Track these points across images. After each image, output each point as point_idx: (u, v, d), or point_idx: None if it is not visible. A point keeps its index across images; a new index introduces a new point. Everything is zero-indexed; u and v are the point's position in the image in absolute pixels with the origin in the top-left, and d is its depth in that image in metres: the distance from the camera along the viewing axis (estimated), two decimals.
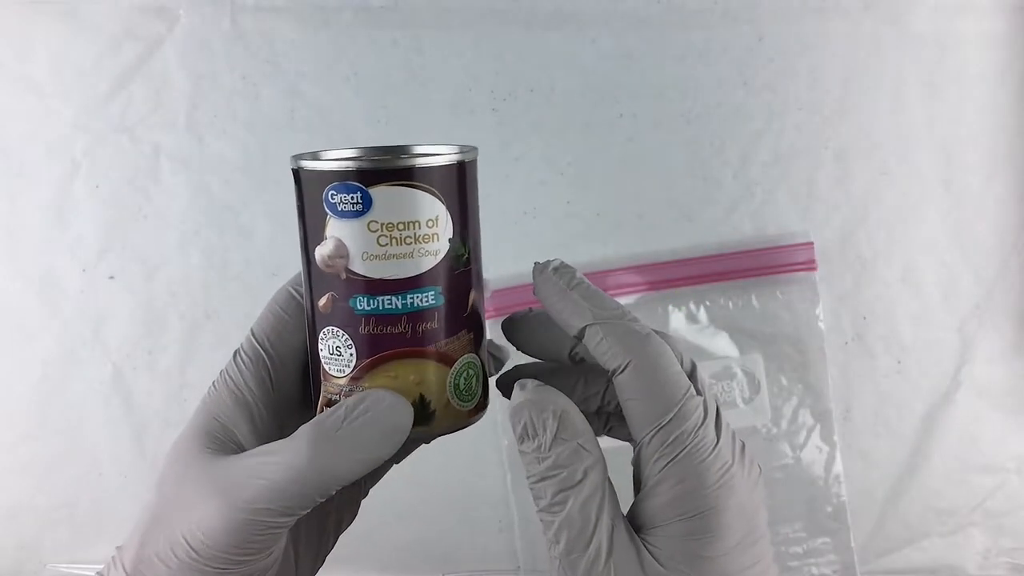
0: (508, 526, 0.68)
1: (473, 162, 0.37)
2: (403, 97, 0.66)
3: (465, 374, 0.37)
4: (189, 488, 0.33)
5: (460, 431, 0.39)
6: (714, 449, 0.32)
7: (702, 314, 0.67)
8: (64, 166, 0.68)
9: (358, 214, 0.34)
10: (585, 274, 0.70)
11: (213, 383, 0.37)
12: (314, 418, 0.34)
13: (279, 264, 0.68)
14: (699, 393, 0.34)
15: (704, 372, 0.67)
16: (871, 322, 0.66)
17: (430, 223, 0.35)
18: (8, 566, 0.72)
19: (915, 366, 0.66)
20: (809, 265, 0.66)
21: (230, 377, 0.37)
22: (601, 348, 0.34)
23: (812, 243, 0.66)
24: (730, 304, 0.66)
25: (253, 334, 0.38)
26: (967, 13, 0.64)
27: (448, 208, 0.35)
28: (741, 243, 0.66)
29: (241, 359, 0.37)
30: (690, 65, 0.65)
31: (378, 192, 0.34)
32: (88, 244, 0.68)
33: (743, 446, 0.34)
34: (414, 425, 0.35)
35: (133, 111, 0.67)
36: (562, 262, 0.37)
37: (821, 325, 0.66)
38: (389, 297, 0.35)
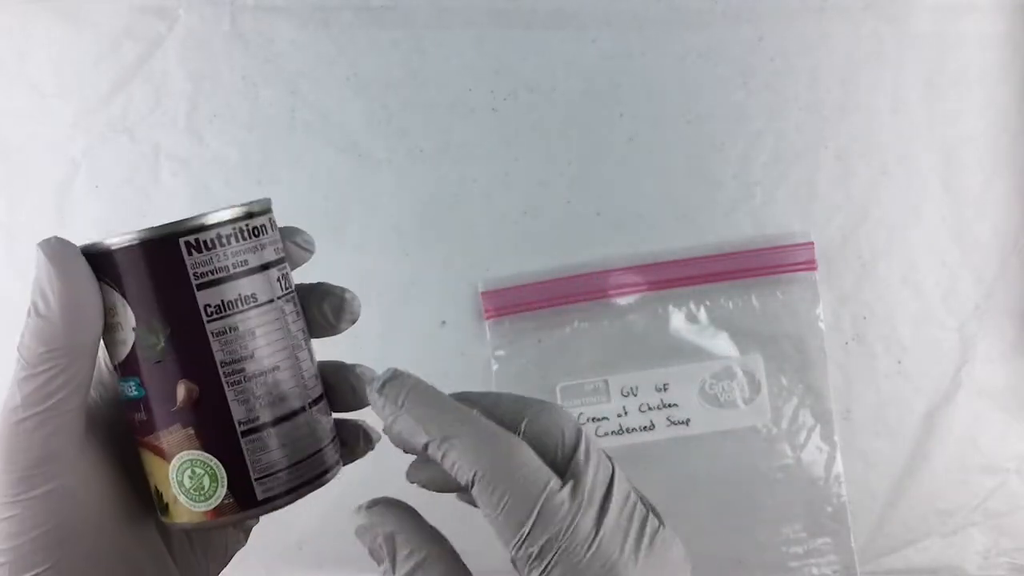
0: None
1: (154, 241, 0.33)
2: (403, 97, 0.66)
3: (189, 472, 0.34)
4: None
5: (223, 528, 0.37)
6: (591, 546, 0.29)
7: (702, 314, 0.67)
8: (64, 166, 0.68)
9: None
10: (585, 274, 0.71)
11: None
12: None
13: None
14: (579, 473, 0.30)
15: (704, 372, 0.67)
16: (871, 322, 0.66)
17: (111, 312, 0.34)
18: None
19: (915, 366, 0.66)
20: (809, 265, 0.66)
21: None
22: (447, 465, 0.31)
23: (812, 243, 0.66)
24: (730, 304, 0.66)
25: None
26: (967, 13, 0.64)
27: (126, 296, 0.33)
28: (741, 243, 0.66)
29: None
30: (690, 65, 0.65)
31: None
32: None
33: (647, 521, 0.31)
34: (160, 514, 0.35)
35: (133, 111, 0.67)
36: (391, 375, 0.33)
37: (821, 325, 0.66)
38: (117, 383, 0.35)
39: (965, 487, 0.67)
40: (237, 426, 0.34)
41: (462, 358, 0.67)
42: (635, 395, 0.66)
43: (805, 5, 0.64)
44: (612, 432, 0.66)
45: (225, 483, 0.34)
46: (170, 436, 0.34)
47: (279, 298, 0.35)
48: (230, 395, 0.33)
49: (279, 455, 0.34)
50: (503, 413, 0.32)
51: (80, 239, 0.34)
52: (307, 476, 0.35)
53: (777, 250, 0.66)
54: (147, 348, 0.33)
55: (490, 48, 0.66)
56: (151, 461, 0.34)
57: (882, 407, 0.67)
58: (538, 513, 0.29)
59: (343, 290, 0.38)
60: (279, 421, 0.34)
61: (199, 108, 0.67)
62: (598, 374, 0.67)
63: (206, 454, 0.33)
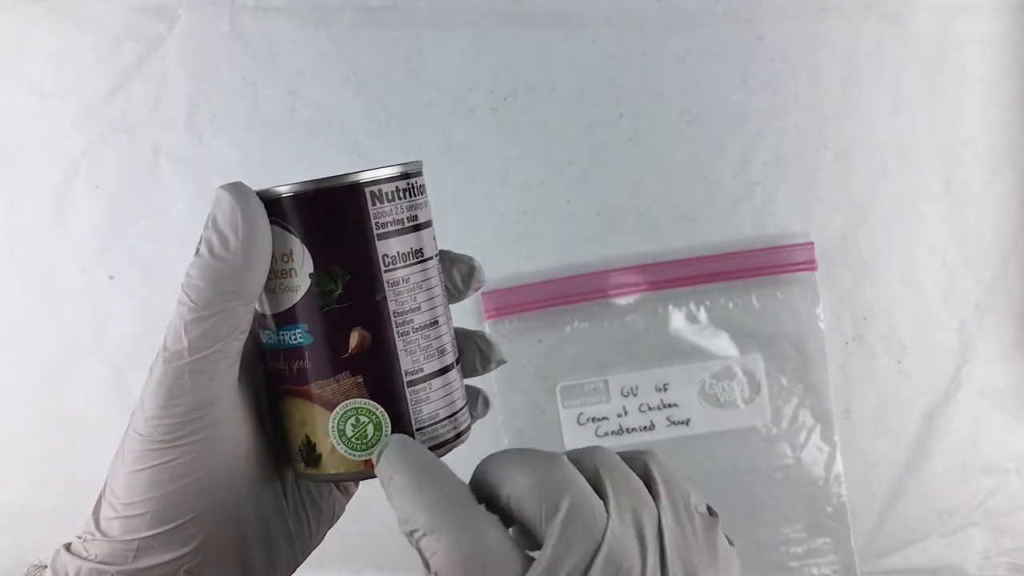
0: None
1: (341, 189, 0.34)
2: (403, 97, 0.66)
3: (353, 420, 0.34)
4: None
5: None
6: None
7: (702, 314, 0.67)
8: (64, 166, 0.68)
9: None
10: (585, 274, 0.71)
11: None
12: None
13: None
14: (549, 555, 0.29)
15: (704, 372, 0.67)
16: (871, 322, 0.66)
17: (285, 258, 0.34)
18: (8, 566, 0.72)
19: (915, 366, 0.66)
20: (809, 265, 0.66)
21: None
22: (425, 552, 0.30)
23: (812, 243, 0.66)
24: (730, 304, 0.66)
25: None
26: (967, 13, 0.64)
27: (307, 241, 0.33)
28: (741, 243, 0.66)
29: None
30: (690, 65, 0.65)
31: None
32: (88, 244, 0.68)
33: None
34: (305, 466, 0.35)
35: (133, 111, 0.67)
36: (389, 444, 0.33)
37: (821, 325, 0.66)
38: (269, 332, 0.35)
39: (965, 487, 0.67)
40: (404, 376, 0.34)
41: None
42: (635, 395, 0.66)
43: (805, 5, 0.64)
44: (612, 432, 0.66)
45: (388, 432, 0.34)
46: (336, 384, 0.34)
47: (435, 256, 0.37)
48: (399, 345, 0.34)
49: (435, 407, 0.35)
50: (493, 481, 0.32)
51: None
52: (456, 430, 0.36)
53: (777, 250, 0.66)
54: (323, 295, 0.33)
55: (490, 48, 0.66)
56: (306, 410, 0.34)
57: (882, 407, 0.67)
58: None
59: (470, 257, 0.39)
60: (437, 374, 0.35)
61: (199, 108, 0.67)
62: (598, 374, 0.67)
63: (373, 402, 0.34)
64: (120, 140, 0.68)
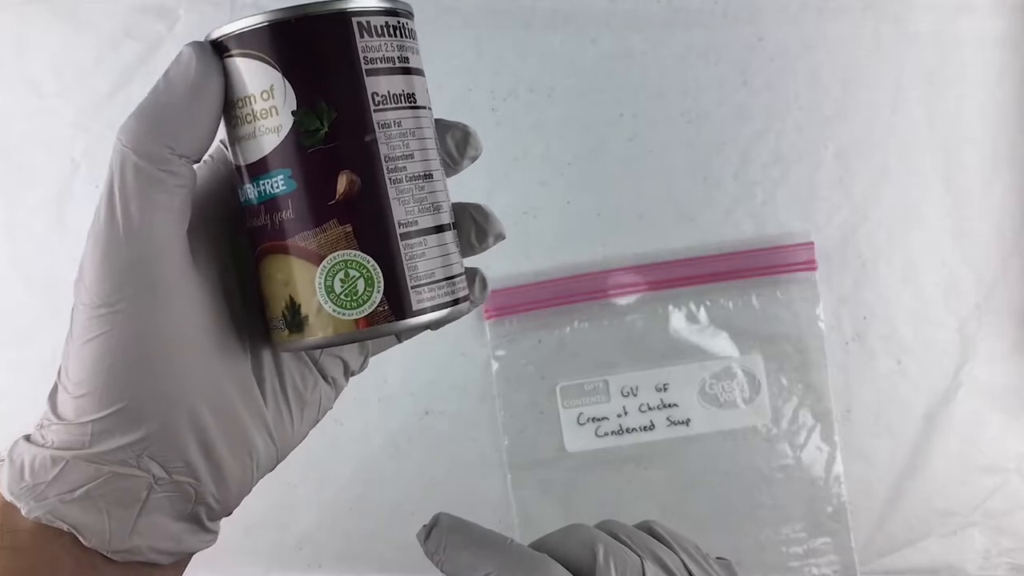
0: (508, 526, 0.68)
1: (325, 17, 0.30)
2: None
3: (342, 275, 0.30)
4: None
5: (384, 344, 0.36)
6: None
7: (702, 314, 0.67)
8: (64, 166, 0.68)
9: None
10: (585, 274, 0.71)
11: None
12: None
13: None
14: None
15: (704, 372, 0.67)
16: (871, 322, 0.66)
17: (264, 95, 0.30)
18: None
19: (915, 366, 0.66)
20: (809, 265, 0.66)
21: None
22: None
23: (812, 243, 0.66)
24: (730, 304, 0.66)
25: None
26: (967, 13, 0.64)
27: (286, 75, 0.30)
28: (741, 243, 0.66)
29: None
30: (690, 65, 0.65)
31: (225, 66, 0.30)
32: None
33: None
34: (289, 332, 0.32)
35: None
36: (434, 522, 0.33)
37: (821, 325, 0.66)
38: (247, 186, 0.32)
39: (965, 487, 0.67)
40: (397, 226, 0.31)
41: (462, 358, 0.67)
42: (635, 395, 0.66)
43: (805, 5, 0.64)
44: (612, 432, 0.66)
45: (381, 288, 0.31)
46: (323, 235, 0.30)
47: (429, 108, 0.34)
48: (391, 192, 0.31)
49: (431, 266, 0.32)
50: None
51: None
52: (453, 296, 0.33)
53: (777, 250, 0.66)
54: (307, 134, 0.30)
55: (490, 48, 0.66)
56: (288, 267, 0.31)
57: (882, 407, 0.67)
58: None
59: (465, 124, 0.36)
60: (433, 231, 0.32)
61: None
62: (598, 374, 0.67)
63: (363, 254, 0.31)
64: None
